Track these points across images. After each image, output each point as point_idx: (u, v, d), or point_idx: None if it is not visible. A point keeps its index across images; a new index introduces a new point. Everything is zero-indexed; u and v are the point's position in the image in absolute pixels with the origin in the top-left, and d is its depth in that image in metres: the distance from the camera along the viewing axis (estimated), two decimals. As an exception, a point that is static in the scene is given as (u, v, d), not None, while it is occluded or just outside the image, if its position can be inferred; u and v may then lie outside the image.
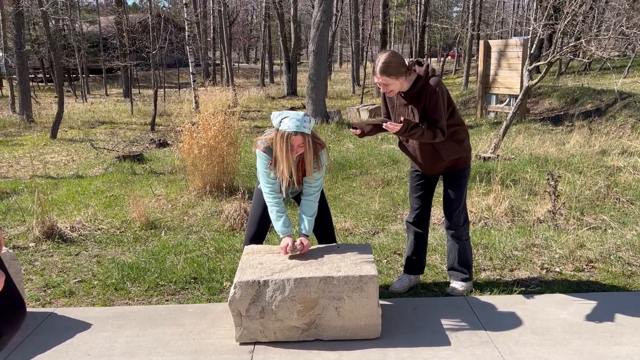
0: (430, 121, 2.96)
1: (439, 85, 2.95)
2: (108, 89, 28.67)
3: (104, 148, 10.50)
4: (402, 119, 2.86)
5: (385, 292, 3.38)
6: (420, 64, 3.05)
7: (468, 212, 5.03)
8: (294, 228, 3.43)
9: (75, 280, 3.74)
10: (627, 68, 17.51)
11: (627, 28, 7.06)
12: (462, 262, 3.35)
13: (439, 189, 3.48)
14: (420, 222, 3.40)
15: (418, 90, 2.98)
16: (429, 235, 4.41)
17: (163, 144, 10.75)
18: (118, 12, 24.13)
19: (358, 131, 3.17)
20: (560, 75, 19.36)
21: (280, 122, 2.83)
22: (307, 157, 2.86)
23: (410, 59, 3.05)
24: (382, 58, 2.92)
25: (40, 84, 32.36)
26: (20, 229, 5.07)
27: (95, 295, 3.48)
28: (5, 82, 27.90)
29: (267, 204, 3.00)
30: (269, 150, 2.94)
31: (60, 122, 12.74)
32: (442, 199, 3.38)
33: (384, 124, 2.96)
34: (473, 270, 3.55)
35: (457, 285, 3.35)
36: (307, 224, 2.99)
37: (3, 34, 19.89)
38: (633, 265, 3.74)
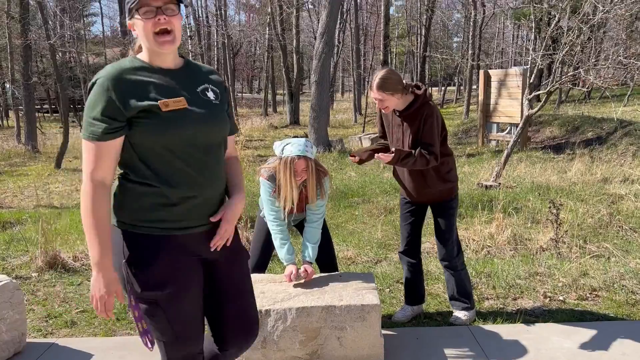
0: (423, 145, 3.00)
1: (435, 110, 3.02)
2: (112, 119, 28.95)
3: (108, 178, 10.57)
4: (392, 149, 2.91)
5: (388, 321, 3.37)
6: (419, 87, 3.11)
7: (471, 240, 5.06)
8: (297, 256, 3.44)
9: (77, 311, 3.74)
10: (626, 96, 17.65)
11: (624, 58, 7.16)
12: (461, 292, 3.34)
13: (430, 220, 3.50)
14: (411, 251, 3.40)
15: (414, 111, 3.04)
16: (430, 264, 4.43)
17: (166, 174, 10.82)
18: (124, 45, 24.54)
19: (356, 159, 3.21)
20: (561, 103, 19.51)
21: (283, 149, 2.88)
22: (310, 182, 2.90)
23: (409, 82, 3.12)
24: (379, 74, 2.99)
25: (45, 114, 32.71)
26: (23, 259, 5.08)
27: (97, 326, 3.48)
28: (11, 113, 28.25)
29: (271, 231, 3.02)
30: (272, 178, 2.98)
31: (65, 152, 12.85)
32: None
33: (376, 154, 3.00)
34: (475, 298, 3.54)
35: (459, 314, 3.34)
36: (310, 251, 3.01)
37: (10, 66, 20.26)
38: (637, 293, 3.72)
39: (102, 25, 35.65)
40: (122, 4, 26.66)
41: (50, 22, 15.61)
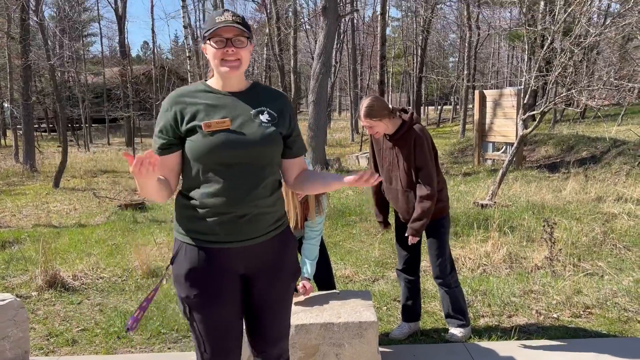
0: (416, 170, 3.13)
1: (423, 131, 3.15)
2: (110, 138, 29.12)
3: (106, 197, 10.62)
4: (408, 234, 3.20)
5: (385, 338, 3.42)
6: (405, 111, 3.24)
7: (467, 258, 5.13)
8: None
9: (78, 329, 3.78)
10: (620, 116, 17.87)
11: (615, 79, 7.31)
12: (456, 309, 3.40)
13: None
14: (409, 269, 3.47)
15: (403, 134, 3.17)
16: (427, 282, 4.48)
17: (164, 193, 10.86)
18: (123, 65, 24.76)
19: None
20: (556, 123, 19.72)
21: None
22: (310, 199, 2.98)
23: (396, 106, 3.25)
24: (365, 103, 3.14)
25: (43, 133, 32.82)
26: (23, 278, 5.12)
27: (98, 344, 3.52)
28: (9, 132, 28.36)
29: None
30: None
31: (64, 171, 12.90)
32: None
33: (409, 238, 3.22)
34: (470, 315, 3.59)
35: (455, 331, 3.40)
36: (309, 267, 3.07)
37: (10, 86, 20.41)
38: (629, 311, 3.79)
39: (102, 45, 36.00)
40: (121, 24, 26.98)
41: (49, 43, 15.77)
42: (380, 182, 3.44)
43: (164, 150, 1.88)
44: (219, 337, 1.93)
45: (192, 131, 1.85)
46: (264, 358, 2.10)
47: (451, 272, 3.38)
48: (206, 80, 1.98)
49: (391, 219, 3.59)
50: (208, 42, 1.87)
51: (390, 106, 3.18)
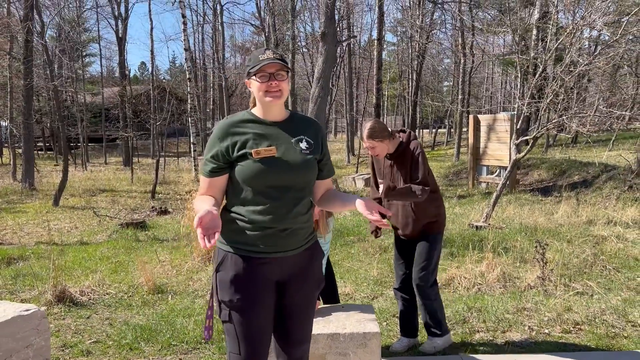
0: (412, 179, 3.36)
1: (419, 147, 3.42)
2: (107, 157, 29.28)
3: (107, 215, 10.76)
4: (382, 188, 3.29)
5: (386, 351, 3.60)
6: (403, 131, 3.50)
7: (462, 278, 5.32)
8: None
9: (90, 341, 3.93)
10: (611, 142, 18.24)
11: (604, 107, 7.60)
12: (434, 320, 3.54)
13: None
14: (405, 288, 3.67)
15: (401, 152, 3.43)
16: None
17: (164, 212, 11.03)
18: (123, 85, 25.05)
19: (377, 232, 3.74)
20: (549, 147, 20.07)
21: None
22: (321, 220, 3.20)
23: (394, 128, 3.52)
24: (367, 125, 3.42)
25: (40, 152, 32.95)
26: (32, 293, 5.26)
27: (112, 355, 3.67)
28: (6, 151, 28.48)
29: None
30: None
31: (63, 190, 13.04)
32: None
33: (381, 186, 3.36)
34: (466, 330, 3.77)
35: (432, 341, 3.56)
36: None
37: (10, 105, 20.61)
38: (616, 327, 3.98)
39: (101, 65, 36.27)
40: (121, 45, 27.37)
41: (50, 64, 16.01)
42: (381, 200, 3.65)
43: (214, 173, 2.14)
44: (254, 340, 2.15)
45: (242, 157, 2.10)
46: (287, 358, 2.31)
47: (432, 286, 3.53)
48: (250, 109, 2.25)
49: (390, 239, 3.79)
50: (253, 77, 2.13)
51: (390, 128, 3.44)
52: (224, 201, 2.25)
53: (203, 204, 2.07)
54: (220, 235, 2.19)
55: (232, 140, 2.13)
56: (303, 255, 2.24)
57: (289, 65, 2.18)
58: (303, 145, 2.20)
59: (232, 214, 2.17)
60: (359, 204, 2.15)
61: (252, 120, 2.18)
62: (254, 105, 2.24)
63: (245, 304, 2.13)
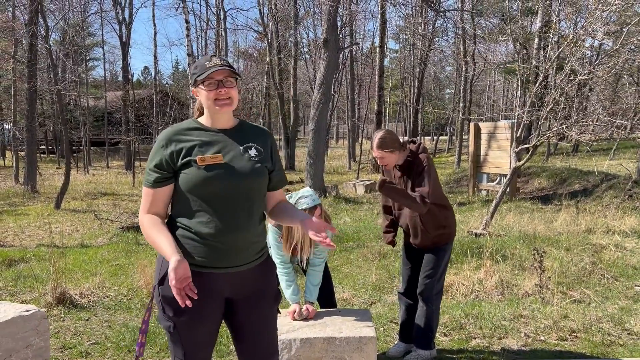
0: (416, 188, 3.36)
1: (427, 159, 3.39)
2: (109, 161, 29.35)
3: (108, 219, 10.80)
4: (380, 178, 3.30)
5: (382, 357, 3.62)
6: (414, 142, 3.50)
7: (460, 285, 5.34)
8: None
9: (89, 343, 3.96)
10: (612, 151, 18.28)
11: (603, 116, 7.64)
12: (427, 330, 3.51)
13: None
14: (410, 293, 3.68)
15: (410, 163, 3.42)
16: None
17: (165, 216, 11.04)
18: (126, 89, 25.15)
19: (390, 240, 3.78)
20: (550, 156, 20.11)
21: (296, 202, 3.23)
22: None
23: (405, 138, 3.51)
24: (378, 135, 3.41)
25: (42, 155, 33.05)
26: (32, 295, 5.29)
27: (110, 356, 3.70)
28: (8, 153, 28.57)
29: (278, 273, 3.31)
30: (279, 225, 3.30)
31: (65, 193, 13.08)
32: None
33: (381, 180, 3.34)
34: (462, 337, 3.79)
35: (416, 353, 3.53)
36: (313, 292, 3.31)
37: (14, 108, 20.71)
38: (612, 335, 4.00)
39: (104, 69, 36.36)
40: (125, 50, 27.47)
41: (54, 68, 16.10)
42: (392, 208, 3.68)
43: (159, 183, 2.05)
44: (197, 349, 2.12)
45: (187, 165, 2.02)
46: None
47: (437, 294, 3.53)
48: (196, 118, 2.19)
49: (388, 245, 3.82)
50: (200, 85, 2.06)
51: (401, 140, 3.44)
52: (169, 211, 2.15)
53: (162, 241, 1.96)
54: None
55: (177, 147, 2.05)
56: (255, 272, 2.16)
57: (238, 72, 2.12)
58: (252, 152, 2.13)
59: (177, 224, 2.08)
60: (304, 224, 2.08)
61: (198, 128, 2.11)
62: (200, 114, 2.18)
63: (190, 319, 2.05)
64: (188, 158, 2.02)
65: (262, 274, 2.20)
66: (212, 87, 2.04)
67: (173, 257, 1.89)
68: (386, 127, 37.55)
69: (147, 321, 2.08)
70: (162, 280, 2.05)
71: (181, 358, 2.12)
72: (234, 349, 2.32)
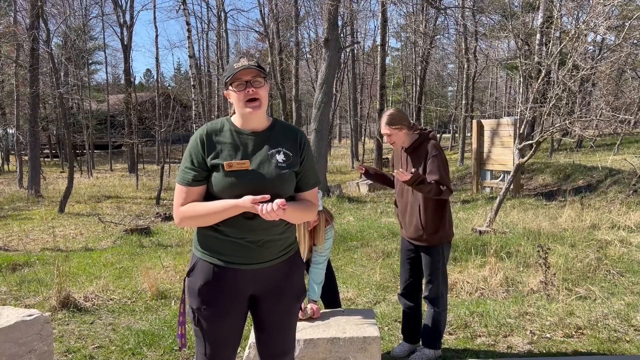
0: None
1: (436, 148, 3.34)
2: (113, 164, 29.41)
3: (111, 222, 10.81)
4: (412, 170, 3.20)
5: (386, 356, 3.60)
6: (425, 129, 3.47)
7: (465, 282, 5.31)
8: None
9: (93, 346, 3.96)
10: (616, 146, 18.19)
11: (607, 111, 7.60)
12: (434, 331, 3.48)
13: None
14: (409, 294, 3.65)
15: (417, 147, 3.39)
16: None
17: (169, 218, 11.06)
18: (128, 92, 25.18)
19: (363, 169, 3.59)
20: (553, 152, 20.03)
21: None
22: (320, 228, 3.22)
23: (417, 123, 3.46)
24: (388, 112, 3.40)
25: (46, 159, 33.16)
26: (36, 299, 5.29)
27: (115, 359, 3.69)
28: (12, 158, 28.66)
29: None
30: None
31: (69, 197, 13.11)
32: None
33: (396, 170, 3.24)
34: (467, 335, 3.76)
35: (421, 352, 3.52)
36: (316, 290, 3.29)
37: (16, 113, 20.76)
38: (619, 331, 3.97)
39: (107, 73, 36.48)
40: (127, 53, 27.53)
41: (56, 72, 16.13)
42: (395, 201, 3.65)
43: (196, 182, 2.09)
44: (219, 346, 2.17)
45: (215, 167, 2.08)
46: None
47: (441, 297, 3.49)
48: (230, 117, 2.21)
49: (392, 244, 3.79)
50: (230, 87, 2.09)
51: (411, 120, 3.41)
52: None
53: (215, 203, 2.04)
54: (195, 240, 2.19)
55: (209, 148, 2.10)
56: (279, 268, 2.19)
57: (266, 72, 2.13)
58: (280, 157, 2.13)
59: None
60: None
61: (230, 130, 2.14)
62: (234, 113, 2.21)
63: (212, 313, 2.12)
64: (217, 161, 2.07)
65: (287, 271, 2.23)
66: (240, 87, 2.07)
67: (238, 200, 2.00)
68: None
69: (183, 313, 2.20)
70: (190, 271, 2.15)
71: (203, 353, 2.18)
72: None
